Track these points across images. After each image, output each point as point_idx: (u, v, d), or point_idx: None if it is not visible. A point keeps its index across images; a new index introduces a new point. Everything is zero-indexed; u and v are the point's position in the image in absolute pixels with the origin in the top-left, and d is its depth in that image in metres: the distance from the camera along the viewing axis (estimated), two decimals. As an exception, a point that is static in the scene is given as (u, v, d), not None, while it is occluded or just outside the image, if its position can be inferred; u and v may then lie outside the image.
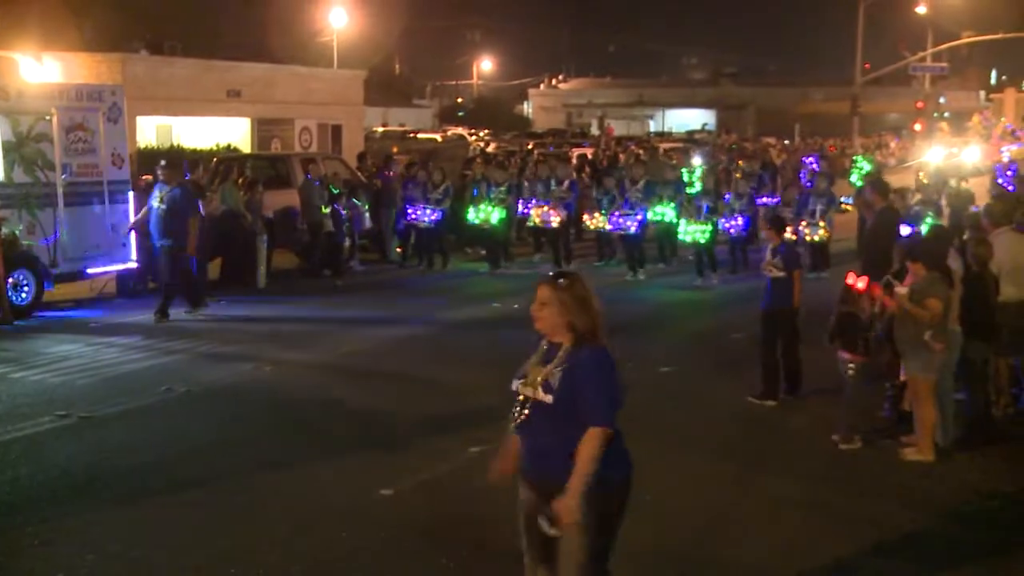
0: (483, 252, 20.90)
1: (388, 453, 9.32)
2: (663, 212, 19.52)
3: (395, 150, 31.22)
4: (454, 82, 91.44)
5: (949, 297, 9.21)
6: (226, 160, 21.59)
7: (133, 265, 16.70)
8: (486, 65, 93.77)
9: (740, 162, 28.01)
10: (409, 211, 20.19)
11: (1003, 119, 72.73)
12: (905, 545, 7.48)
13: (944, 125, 63.95)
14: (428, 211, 19.93)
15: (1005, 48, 69.72)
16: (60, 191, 15.55)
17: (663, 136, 59.44)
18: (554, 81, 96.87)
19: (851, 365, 9.52)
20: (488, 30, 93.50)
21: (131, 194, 16.66)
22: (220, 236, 17.49)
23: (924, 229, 15.32)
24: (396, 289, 18.26)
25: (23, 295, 14.90)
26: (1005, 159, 47.36)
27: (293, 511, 7.87)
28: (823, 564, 7.16)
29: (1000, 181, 21.64)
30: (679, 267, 20.08)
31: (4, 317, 14.33)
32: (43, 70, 23.22)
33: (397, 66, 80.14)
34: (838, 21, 68.09)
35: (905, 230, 15.37)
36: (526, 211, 20.69)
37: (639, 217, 19.03)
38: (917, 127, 57.98)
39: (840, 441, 9.44)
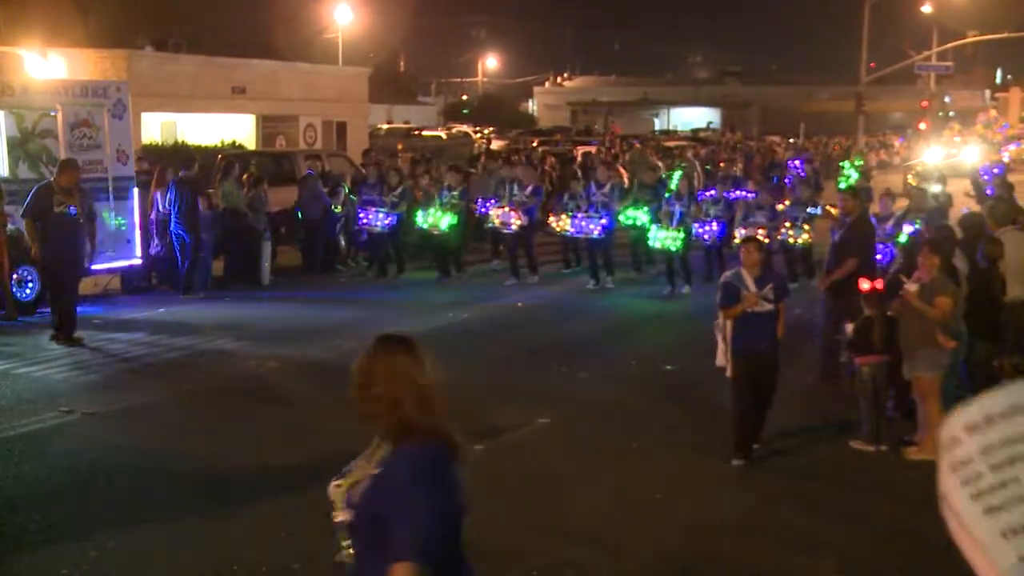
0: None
1: (391, 451, 9.30)
2: (635, 216, 18.18)
3: (400, 147, 31.24)
4: (459, 79, 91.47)
5: (957, 295, 9.21)
6: (229, 156, 21.59)
7: (137, 262, 16.71)
8: (491, 62, 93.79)
9: (722, 164, 27.38)
10: (361, 216, 18.96)
11: (1000, 119, 72.68)
12: (907, 544, 7.47)
13: (956, 125, 63.91)
14: (382, 215, 18.61)
15: (1010, 47, 69.70)
16: (65, 187, 15.54)
17: (668, 134, 59.43)
18: (559, 79, 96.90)
19: (865, 369, 9.53)
20: (493, 27, 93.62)
21: (135, 191, 16.67)
22: (223, 234, 17.52)
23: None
24: (399, 287, 18.22)
25: (27, 291, 14.91)
26: (1006, 159, 47.36)
27: (295, 508, 7.86)
28: (825, 563, 7.16)
29: (985, 177, 21.41)
30: (653, 276, 18.58)
31: (8, 313, 14.34)
32: (48, 66, 23.21)
33: (402, 63, 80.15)
34: (843, 20, 68.05)
35: (908, 229, 15.30)
36: (485, 209, 19.30)
37: (603, 221, 17.57)
38: (922, 126, 57.94)
39: (859, 444, 9.44)
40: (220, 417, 10.31)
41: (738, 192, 20.04)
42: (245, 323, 14.77)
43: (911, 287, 9.26)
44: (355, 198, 19.65)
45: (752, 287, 9.03)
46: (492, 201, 18.93)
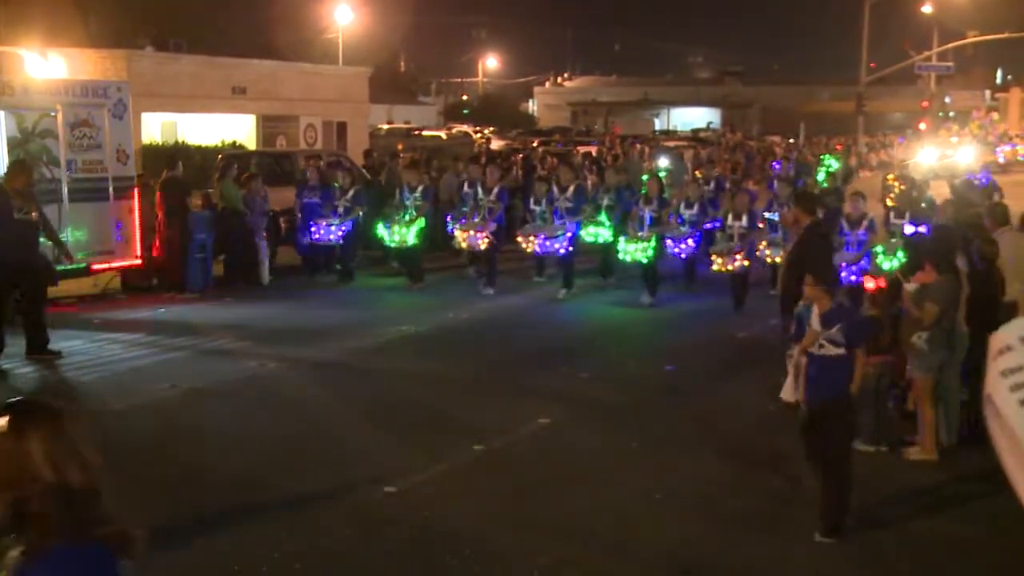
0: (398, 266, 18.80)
1: (392, 450, 9.33)
2: (596, 234, 17.19)
3: (400, 147, 31.23)
4: (459, 79, 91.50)
5: (957, 300, 9.23)
6: (228, 156, 21.60)
7: (137, 262, 16.72)
8: (491, 62, 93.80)
9: (698, 172, 26.64)
10: (312, 231, 17.92)
11: (995, 118, 72.68)
12: (907, 544, 7.49)
13: (955, 126, 63.86)
14: (333, 227, 17.77)
15: (1011, 47, 69.59)
16: (65, 187, 15.56)
17: (668, 134, 59.44)
18: (559, 79, 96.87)
19: (870, 369, 9.52)
20: (493, 27, 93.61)
21: (136, 190, 16.69)
22: (222, 233, 17.54)
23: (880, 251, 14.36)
24: (399, 287, 18.16)
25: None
26: (1001, 160, 47.23)
27: (296, 508, 7.88)
28: (825, 563, 7.17)
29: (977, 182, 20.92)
30: (619, 282, 17.70)
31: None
32: (48, 66, 23.15)
33: (402, 63, 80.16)
34: (843, 20, 68.11)
35: (908, 228, 15.20)
36: (452, 230, 17.88)
37: (568, 235, 16.66)
38: (922, 126, 57.95)
39: (860, 444, 9.44)
40: (220, 417, 10.32)
41: (710, 224, 17.81)
42: (245, 323, 14.78)
43: (909, 287, 9.30)
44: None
45: (816, 324, 7.71)
46: (461, 221, 17.48)
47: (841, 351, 7.58)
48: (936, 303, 9.02)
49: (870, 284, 10.20)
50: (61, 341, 13.33)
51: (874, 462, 9.15)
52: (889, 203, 18.23)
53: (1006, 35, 54.71)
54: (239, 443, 9.52)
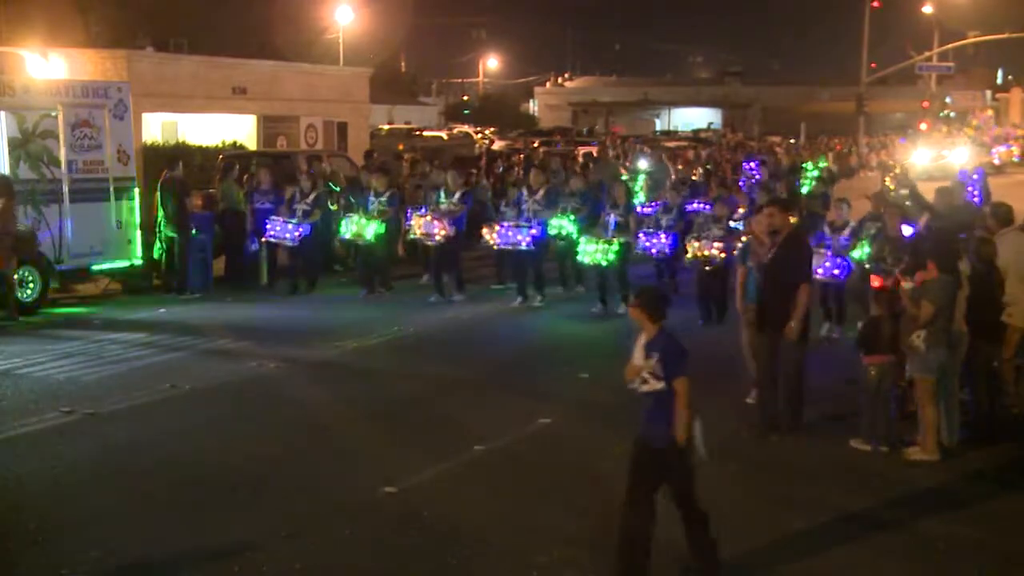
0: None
1: (392, 450, 9.33)
2: (560, 226, 16.41)
3: (400, 147, 31.24)
4: (460, 80, 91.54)
5: (955, 299, 9.22)
6: (228, 157, 21.60)
7: (138, 262, 16.73)
8: (492, 63, 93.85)
9: (681, 166, 26.00)
10: (268, 228, 17.09)
11: (989, 115, 72.70)
12: (907, 543, 7.48)
13: (945, 128, 63.90)
14: (291, 227, 16.84)
15: (1011, 48, 69.65)
16: (66, 188, 15.58)
17: (669, 135, 59.46)
18: (560, 79, 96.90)
19: (872, 369, 9.52)
20: (493, 27, 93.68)
21: (137, 191, 16.70)
22: (223, 233, 17.52)
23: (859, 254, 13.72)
24: (399, 288, 18.12)
25: (28, 292, 14.93)
26: (996, 162, 47.12)
27: (296, 508, 7.88)
28: (825, 563, 7.16)
29: (971, 189, 20.53)
30: (582, 292, 16.86)
31: (10, 314, 14.35)
32: (49, 66, 23.14)
33: (403, 64, 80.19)
34: (844, 20, 68.10)
35: (907, 230, 15.07)
36: (409, 219, 17.21)
37: (534, 231, 15.85)
38: (923, 127, 57.95)
39: (859, 444, 9.44)
40: (220, 417, 10.32)
41: (695, 204, 18.26)
42: (245, 323, 14.77)
43: (906, 285, 9.31)
44: (353, 199, 18.38)
45: (637, 355, 6.61)
46: (421, 210, 16.94)
47: (661, 385, 6.45)
48: (932, 301, 9.03)
49: (875, 283, 10.15)
50: (62, 342, 13.37)
51: (875, 462, 9.16)
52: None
53: (1006, 35, 54.78)
54: (239, 443, 9.51)
